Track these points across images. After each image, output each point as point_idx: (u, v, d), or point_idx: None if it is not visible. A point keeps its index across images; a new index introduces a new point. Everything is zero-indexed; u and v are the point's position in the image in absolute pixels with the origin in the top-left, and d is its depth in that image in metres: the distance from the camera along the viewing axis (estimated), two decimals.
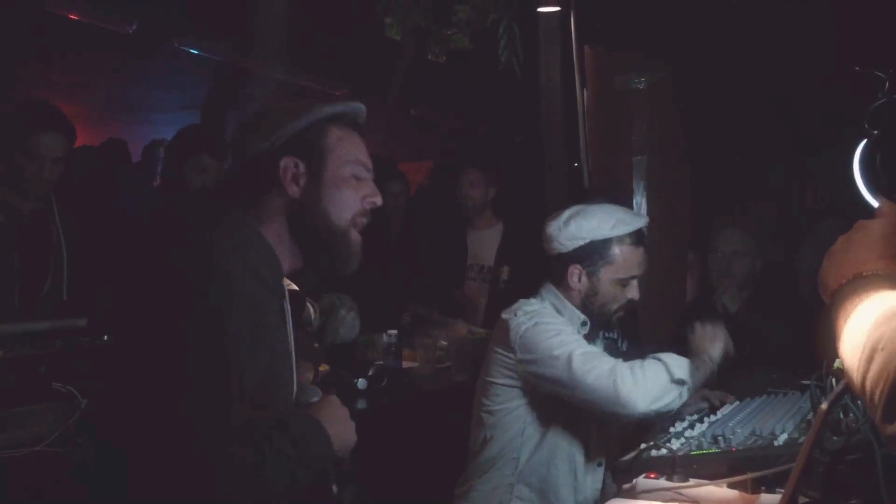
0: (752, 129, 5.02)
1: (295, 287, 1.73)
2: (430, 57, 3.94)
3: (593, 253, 2.45)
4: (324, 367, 3.14)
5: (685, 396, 2.29)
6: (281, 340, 1.64)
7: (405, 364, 3.75)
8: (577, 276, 2.47)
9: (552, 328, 2.43)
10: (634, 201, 4.62)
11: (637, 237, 2.49)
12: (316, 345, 2.83)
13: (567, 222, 2.48)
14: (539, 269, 2.74)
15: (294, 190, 1.67)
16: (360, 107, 1.78)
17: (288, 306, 1.67)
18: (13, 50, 5.01)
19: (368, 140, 1.78)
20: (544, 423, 2.52)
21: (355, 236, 1.72)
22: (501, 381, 2.55)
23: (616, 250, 2.46)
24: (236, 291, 1.48)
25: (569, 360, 2.32)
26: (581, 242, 2.45)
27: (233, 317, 1.45)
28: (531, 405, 2.52)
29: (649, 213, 4.58)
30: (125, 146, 4.85)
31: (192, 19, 5.14)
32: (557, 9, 4.23)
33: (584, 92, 4.48)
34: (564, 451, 2.54)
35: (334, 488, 1.59)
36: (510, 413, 2.55)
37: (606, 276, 2.46)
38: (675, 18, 4.16)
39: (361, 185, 1.73)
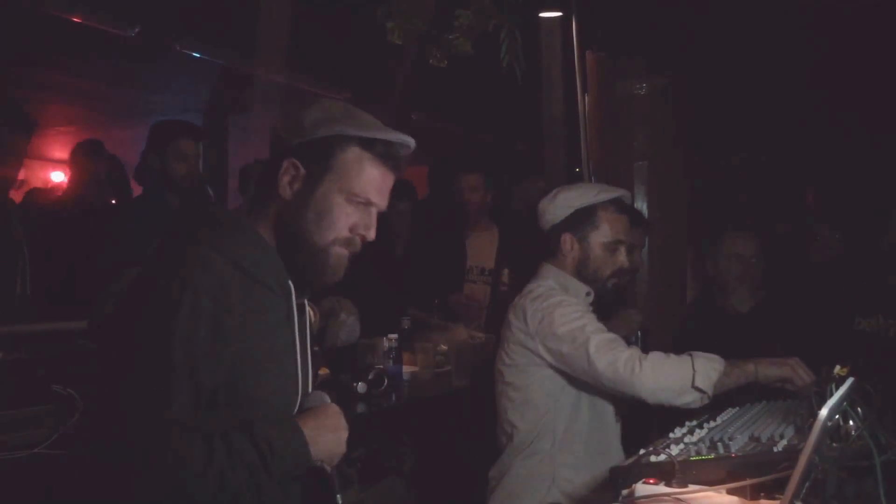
0: (753, 135, 5.02)
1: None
2: (431, 62, 3.94)
3: (581, 220, 2.63)
4: (323, 371, 3.14)
5: (706, 401, 2.37)
6: (283, 338, 1.62)
7: (405, 368, 3.74)
8: (569, 244, 2.64)
9: (571, 311, 2.53)
10: (636, 206, 4.61)
11: (619, 205, 2.67)
12: (316, 348, 2.83)
13: (554, 197, 2.69)
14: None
15: (286, 192, 1.62)
16: (401, 141, 1.66)
17: (294, 306, 1.64)
18: (14, 53, 5.02)
19: None
20: (576, 387, 2.57)
21: (336, 257, 1.64)
22: (522, 359, 2.60)
23: (601, 215, 2.63)
24: (199, 292, 1.46)
25: (586, 345, 2.43)
26: (569, 211, 2.64)
27: (185, 316, 1.44)
28: (557, 374, 2.57)
29: (650, 218, 4.58)
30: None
31: (194, 23, 5.15)
32: (559, 14, 4.24)
33: (586, 97, 4.48)
34: (606, 408, 2.62)
35: (339, 499, 1.58)
36: (537, 389, 2.59)
37: (595, 240, 2.63)
38: (677, 24, 4.17)
39: (356, 212, 1.64)
